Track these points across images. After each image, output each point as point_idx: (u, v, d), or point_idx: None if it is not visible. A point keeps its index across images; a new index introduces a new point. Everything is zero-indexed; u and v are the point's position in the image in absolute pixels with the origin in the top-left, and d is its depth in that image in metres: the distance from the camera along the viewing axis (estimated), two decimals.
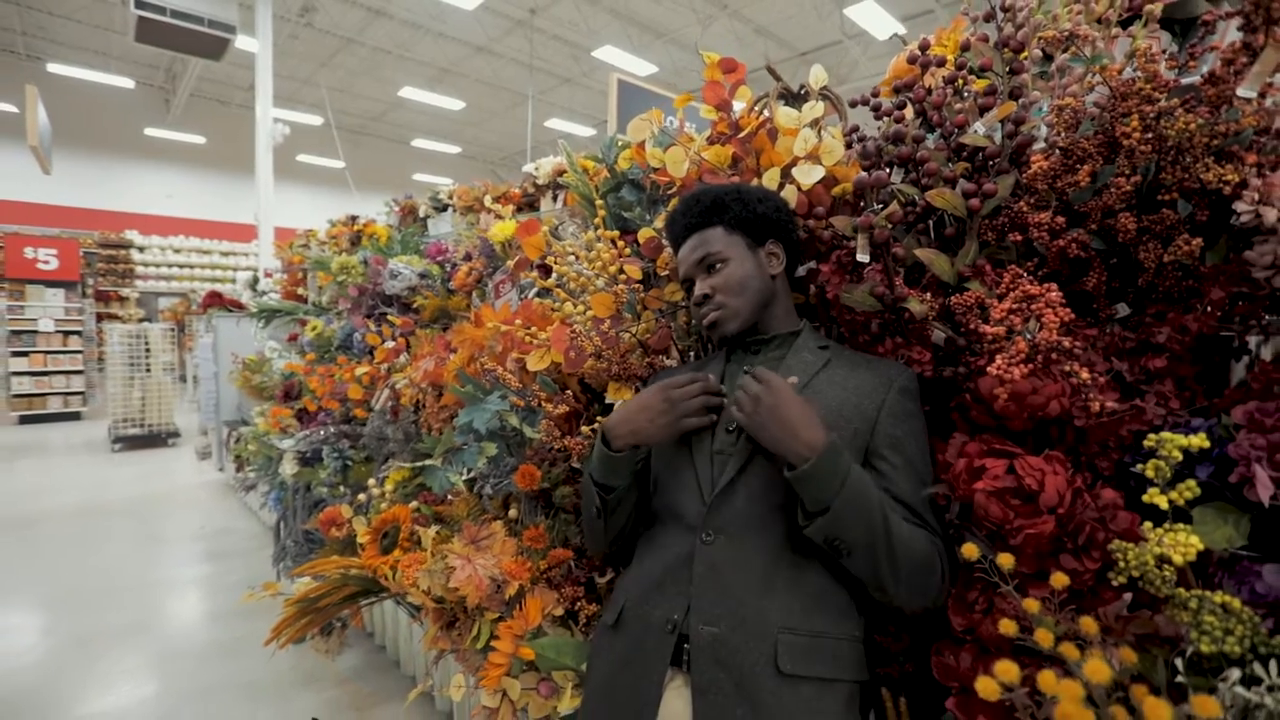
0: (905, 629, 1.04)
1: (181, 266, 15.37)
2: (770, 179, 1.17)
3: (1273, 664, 0.66)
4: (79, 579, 3.70)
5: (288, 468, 2.64)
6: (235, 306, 6.27)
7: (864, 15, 10.56)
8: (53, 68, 13.05)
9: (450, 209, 3.16)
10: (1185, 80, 0.94)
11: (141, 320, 12.48)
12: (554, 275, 1.43)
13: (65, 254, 8.98)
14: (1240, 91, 0.79)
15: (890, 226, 1.04)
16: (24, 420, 8.64)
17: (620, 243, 1.26)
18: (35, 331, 8.72)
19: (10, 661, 2.81)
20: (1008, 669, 0.56)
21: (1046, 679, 0.57)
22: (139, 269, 14.55)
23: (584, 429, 1.33)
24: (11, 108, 13.46)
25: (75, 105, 14.01)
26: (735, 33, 12.45)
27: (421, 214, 3.48)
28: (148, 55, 13.10)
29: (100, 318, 11.62)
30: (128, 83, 14.10)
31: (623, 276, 1.20)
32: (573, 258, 1.22)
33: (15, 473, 6.21)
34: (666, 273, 1.31)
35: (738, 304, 1.05)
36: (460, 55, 13.95)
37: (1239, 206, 0.85)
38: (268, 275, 6.50)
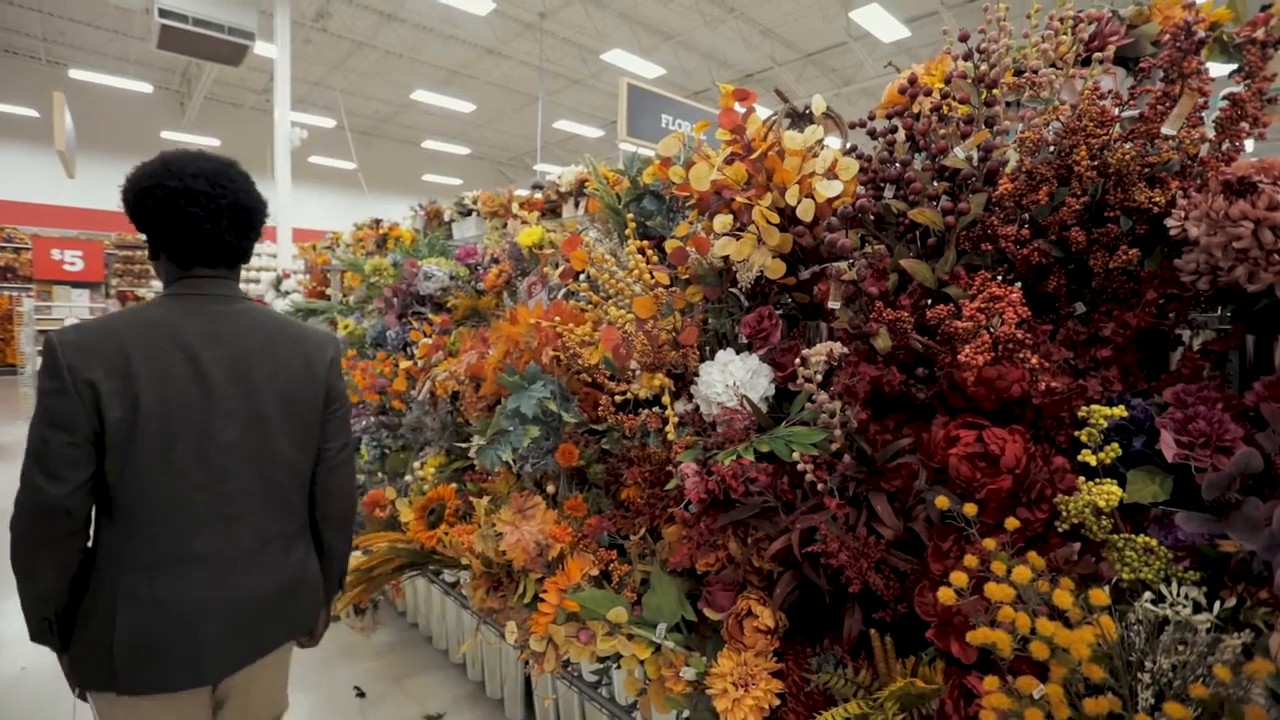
0: (898, 577, 1.22)
1: None
2: (791, 195, 1.35)
3: (1175, 585, 0.84)
4: None
5: None
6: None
7: (869, 18, 10.71)
8: (74, 73, 13.33)
9: (475, 213, 3.35)
10: (1128, 114, 1.11)
11: None
12: (582, 278, 1.62)
13: (90, 256, 9.25)
14: (1163, 130, 0.96)
15: (860, 281, 1.19)
16: None
17: (649, 250, 1.44)
18: None
19: None
20: (959, 577, 0.75)
21: (989, 587, 0.75)
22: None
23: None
24: (33, 112, 13.79)
25: (94, 110, 14.28)
26: (742, 34, 12.62)
27: (446, 218, 3.67)
28: (164, 60, 13.37)
29: None
30: (146, 87, 14.37)
31: (651, 280, 1.38)
32: (614, 267, 1.40)
33: None
34: (687, 276, 1.49)
35: None
36: (470, 58, 14.17)
37: (1169, 223, 1.03)
38: (286, 276, 6.73)
